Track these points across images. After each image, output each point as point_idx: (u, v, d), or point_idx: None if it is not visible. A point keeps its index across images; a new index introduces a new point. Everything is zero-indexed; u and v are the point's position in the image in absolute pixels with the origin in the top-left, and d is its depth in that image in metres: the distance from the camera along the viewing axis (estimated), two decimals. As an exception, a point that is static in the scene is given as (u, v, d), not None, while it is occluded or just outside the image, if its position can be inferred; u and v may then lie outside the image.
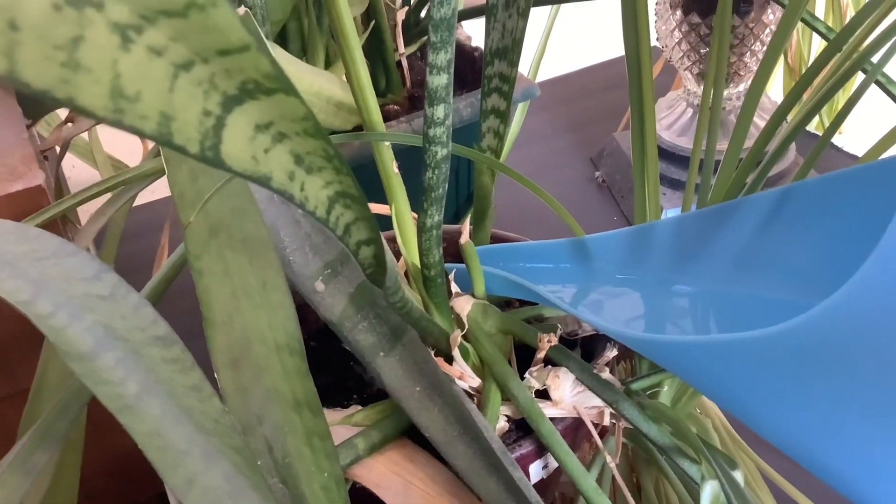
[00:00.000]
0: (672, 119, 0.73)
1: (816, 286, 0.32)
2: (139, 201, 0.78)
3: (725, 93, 0.70)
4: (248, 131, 0.18)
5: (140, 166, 0.53)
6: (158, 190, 0.68)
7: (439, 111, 0.31)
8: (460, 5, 0.65)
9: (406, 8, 0.65)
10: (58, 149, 0.65)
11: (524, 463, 0.36)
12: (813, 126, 0.89)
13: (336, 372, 0.43)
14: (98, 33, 0.14)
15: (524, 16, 0.39)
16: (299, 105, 0.18)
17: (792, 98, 0.40)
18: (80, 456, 0.46)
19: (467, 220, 0.39)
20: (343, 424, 0.37)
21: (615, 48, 0.90)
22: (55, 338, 0.27)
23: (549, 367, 0.37)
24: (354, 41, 0.36)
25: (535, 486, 0.34)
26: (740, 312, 0.34)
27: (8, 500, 0.33)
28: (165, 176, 0.50)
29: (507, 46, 0.39)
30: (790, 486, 0.47)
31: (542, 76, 0.87)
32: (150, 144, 0.70)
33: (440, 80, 0.30)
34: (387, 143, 0.37)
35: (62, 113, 0.67)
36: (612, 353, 0.38)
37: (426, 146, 0.32)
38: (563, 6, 0.65)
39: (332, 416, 0.37)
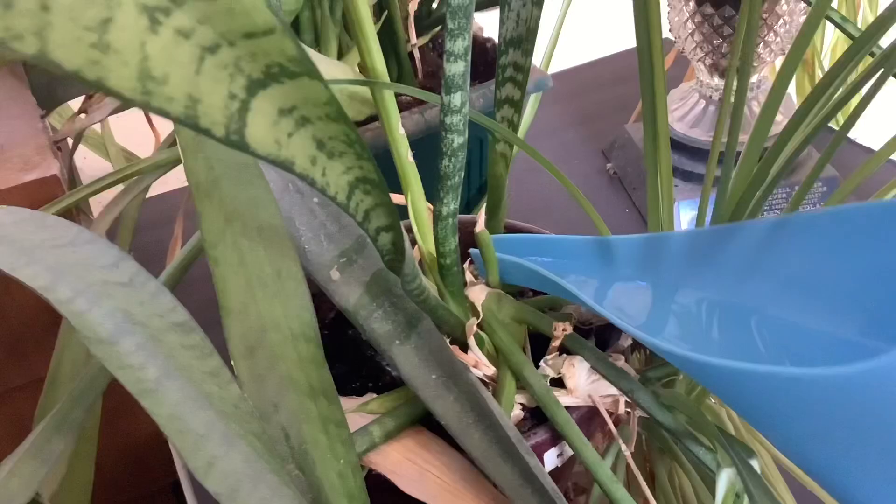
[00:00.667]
0: (685, 111, 0.73)
1: (857, 318, 0.29)
2: (152, 192, 0.79)
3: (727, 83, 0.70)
4: (272, 115, 0.18)
5: (153, 157, 0.53)
6: (171, 181, 0.68)
7: (456, 99, 0.31)
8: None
9: (420, -1, 0.65)
10: (70, 140, 0.65)
11: (539, 451, 0.36)
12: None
13: (351, 360, 0.43)
14: (127, 15, 0.14)
15: (539, 4, 0.39)
16: (322, 89, 0.18)
17: (817, 95, 0.39)
18: (96, 445, 0.47)
19: (482, 210, 0.39)
20: (358, 412, 0.37)
21: (626, 40, 0.90)
22: (76, 322, 0.27)
23: (564, 355, 0.37)
24: (370, 29, 0.36)
25: (550, 474, 0.34)
26: (776, 337, 0.32)
27: (25, 488, 0.33)
28: (178, 167, 0.50)
29: (522, 35, 0.39)
30: (806, 476, 0.47)
31: (552, 68, 0.87)
32: (163, 136, 0.70)
33: (457, 68, 0.30)
34: (402, 132, 0.37)
35: (75, 104, 0.67)
36: (626, 342, 0.39)
37: (443, 134, 0.32)
38: (576, -3, 0.65)
39: (348, 403, 0.37)
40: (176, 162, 0.54)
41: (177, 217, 0.65)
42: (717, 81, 0.71)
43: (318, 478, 0.34)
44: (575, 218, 0.39)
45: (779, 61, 0.78)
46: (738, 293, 0.33)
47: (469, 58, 0.30)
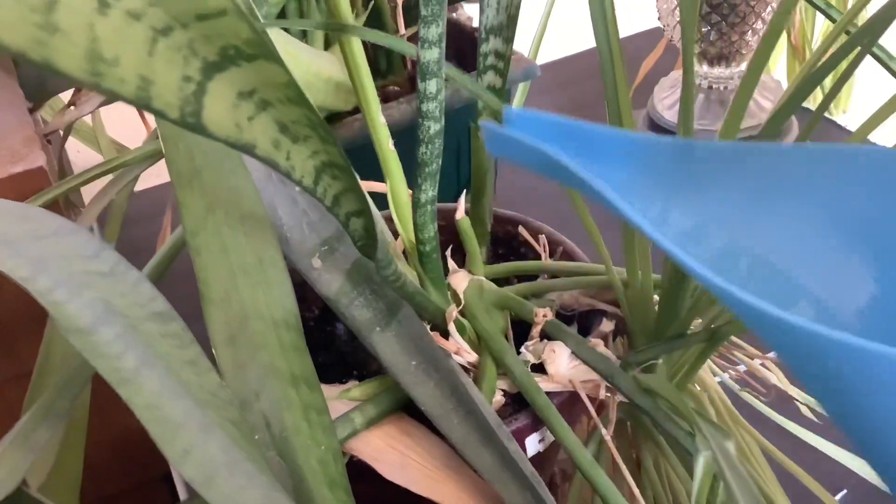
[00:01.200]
0: (674, 99, 0.73)
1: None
2: (142, 186, 0.79)
3: (727, 71, 0.70)
4: (230, 98, 0.18)
5: (141, 147, 0.53)
6: (162, 175, 0.68)
7: (431, 86, 0.31)
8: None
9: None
10: (62, 133, 0.65)
11: (520, 436, 0.37)
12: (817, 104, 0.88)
13: (336, 351, 0.43)
14: (73, -5, 0.14)
15: (519, -10, 0.39)
16: (281, 71, 0.18)
17: (803, 82, 0.39)
18: (84, 435, 0.47)
19: (463, 196, 0.39)
20: (340, 399, 0.37)
21: (624, 26, 0.90)
22: (55, 312, 0.28)
23: (546, 341, 0.37)
24: (348, 19, 0.36)
25: (532, 460, 0.34)
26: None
27: (10, 476, 0.33)
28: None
29: (503, 23, 0.39)
30: (792, 463, 0.47)
31: (543, 58, 0.87)
32: (153, 126, 0.70)
33: (431, 55, 0.30)
34: (382, 121, 0.37)
35: (66, 97, 0.67)
36: (608, 327, 0.39)
37: (420, 121, 0.32)
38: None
39: (330, 391, 0.37)
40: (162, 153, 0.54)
41: (165, 211, 0.66)
42: (706, 69, 0.71)
43: (300, 465, 0.34)
44: (565, 210, 0.39)
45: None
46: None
47: (444, 45, 0.31)
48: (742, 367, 0.46)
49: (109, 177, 0.54)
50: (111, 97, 0.15)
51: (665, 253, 0.16)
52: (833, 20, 0.45)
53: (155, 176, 0.75)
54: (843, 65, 0.46)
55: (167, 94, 0.16)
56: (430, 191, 0.34)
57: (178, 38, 0.16)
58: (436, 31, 0.29)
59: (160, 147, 0.54)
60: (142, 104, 0.16)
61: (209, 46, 0.17)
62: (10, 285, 0.30)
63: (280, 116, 0.19)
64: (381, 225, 0.34)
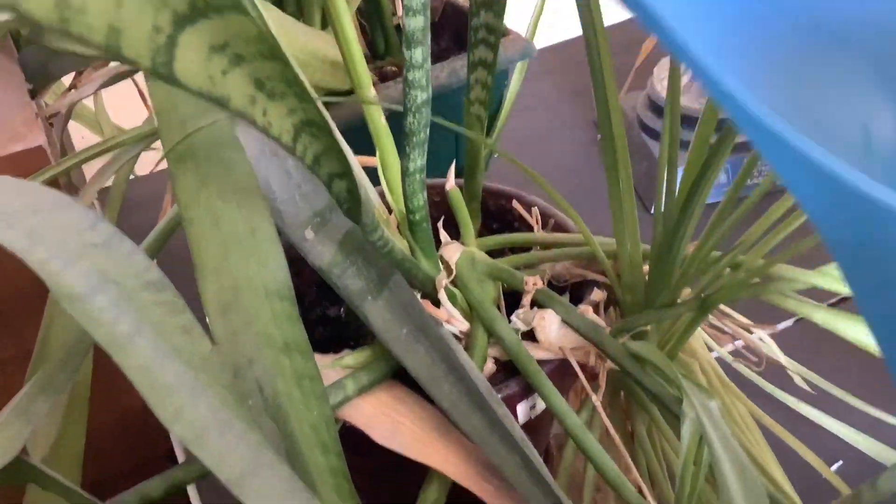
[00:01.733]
0: (673, 78, 0.73)
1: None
2: (142, 171, 0.80)
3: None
4: (202, 51, 0.18)
5: (139, 127, 0.54)
6: (162, 162, 0.69)
7: (417, 54, 0.31)
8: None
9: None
10: (63, 116, 0.66)
11: (511, 403, 0.37)
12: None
13: (331, 328, 0.44)
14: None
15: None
16: (251, 25, 0.18)
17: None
18: (86, 412, 0.47)
19: (452, 167, 0.40)
20: (333, 368, 0.37)
21: (615, 13, 0.90)
22: (51, 282, 0.28)
23: (536, 308, 0.38)
24: (341, 3, 0.37)
25: (524, 427, 0.35)
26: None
27: (9, 445, 0.34)
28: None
29: (492, -4, 0.40)
30: (786, 432, 0.47)
31: (545, 42, 0.87)
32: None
33: (416, 23, 0.30)
34: (373, 94, 0.38)
35: (67, 81, 0.68)
36: (598, 296, 0.39)
37: (406, 90, 0.32)
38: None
39: (323, 360, 0.38)
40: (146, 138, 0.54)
41: (164, 196, 0.66)
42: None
43: (292, 430, 0.34)
44: (565, 194, 0.39)
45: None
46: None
47: (428, 13, 0.31)
48: (739, 343, 0.46)
49: (110, 157, 0.54)
50: (83, 44, 0.16)
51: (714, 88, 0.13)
52: None
53: (153, 162, 0.76)
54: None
55: (137, 45, 0.17)
56: (418, 160, 0.34)
57: (148, -13, 0.16)
58: (419, -2, 0.30)
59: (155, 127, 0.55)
60: (112, 52, 0.16)
61: (179, -3, 0.17)
62: (11, 264, 0.30)
63: (254, 72, 0.20)
64: (366, 189, 0.34)
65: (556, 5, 0.69)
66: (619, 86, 0.83)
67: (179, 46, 0.18)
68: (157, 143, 0.58)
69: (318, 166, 0.24)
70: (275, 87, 0.21)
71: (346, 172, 0.26)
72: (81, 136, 0.84)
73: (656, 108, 0.73)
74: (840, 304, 0.55)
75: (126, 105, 0.76)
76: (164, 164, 0.81)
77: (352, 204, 0.28)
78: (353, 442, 0.36)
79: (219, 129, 0.37)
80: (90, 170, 0.59)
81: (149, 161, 0.79)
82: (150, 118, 0.64)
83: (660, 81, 0.74)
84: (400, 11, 0.65)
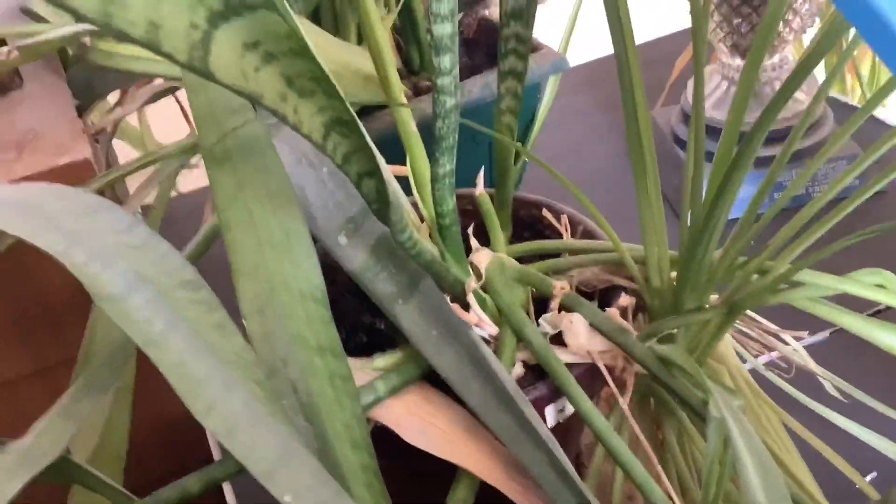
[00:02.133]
0: (707, 92, 0.73)
1: None
2: (185, 189, 0.82)
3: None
4: (236, 48, 0.19)
5: (181, 141, 0.55)
6: (203, 179, 0.71)
7: (446, 61, 0.32)
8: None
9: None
10: (109, 132, 0.68)
11: (539, 405, 0.37)
12: (857, 99, 0.88)
13: (364, 333, 0.45)
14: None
15: (536, -24, 0.40)
16: (281, 22, 0.19)
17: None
18: (129, 417, 0.49)
19: (481, 173, 0.41)
20: (364, 370, 0.38)
21: (651, 30, 0.91)
22: (88, 283, 0.29)
23: (564, 312, 0.38)
24: (375, 14, 0.38)
25: (553, 432, 0.35)
26: None
27: (54, 445, 0.35)
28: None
29: (522, 6, 0.41)
30: (819, 441, 0.47)
31: (581, 59, 0.88)
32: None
33: (444, 30, 0.31)
34: (404, 100, 0.39)
35: (112, 99, 0.70)
36: (626, 301, 0.39)
37: (435, 96, 0.33)
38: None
39: (355, 363, 0.39)
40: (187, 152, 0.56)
41: (205, 209, 0.68)
42: (739, 62, 0.71)
43: (325, 427, 0.35)
44: (598, 201, 0.40)
45: (807, 37, 0.78)
46: None
47: (456, 20, 0.32)
48: (773, 353, 0.46)
49: (153, 171, 0.56)
50: (123, 38, 0.17)
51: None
52: None
53: (196, 181, 0.78)
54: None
55: (174, 39, 0.18)
56: (447, 164, 0.35)
57: (185, -13, 0.18)
58: (447, 5, 0.31)
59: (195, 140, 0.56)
60: (151, 46, 0.17)
61: (214, -4, 0.18)
62: (57, 272, 0.32)
63: (285, 69, 0.21)
64: (396, 190, 0.35)
65: (592, 23, 0.70)
66: (653, 100, 0.83)
67: (214, 42, 0.19)
68: (197, 159, 0.60)
69: (348, 165, 0.25)
70: (304, 84, 0.22)
71: (375, 171, 0.27)
72: (129, 155, 0.86)
73: (689, 122, 0.74)
74: (875, 315, 0.55)
75: (170, 122, 0.78)
76: (205, 181, 0.83)
77: (381, 204, 0.29)
78: (384, 445, 0.37)
79: (255, 135, 0.38)
80: (134, 185, 0.61)
81: (192, 179, 0.81)
82: (191, 133, 0.66)
83: (692, 94, 0.74)
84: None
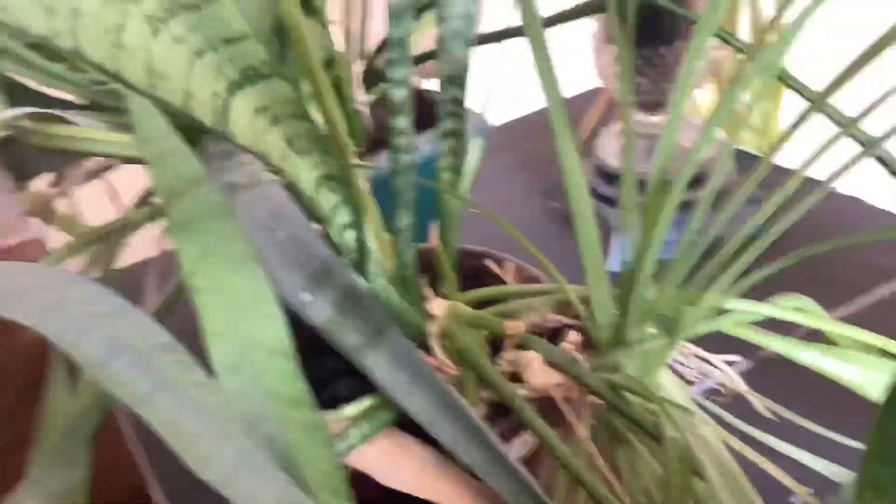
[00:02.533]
0: (616, 147, 0.79)
1: None
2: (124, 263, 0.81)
3: (658, 118, 0.76)
4: (250, 113, 0.22)
5: (112, 222, 0.56)
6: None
7: (401, 121, 0.35)
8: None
9: (365, 60, 0.70)
10: (40, 216, 0.68)
11: (504, 440, 0.40)
12: (747, 145, 0.95)
13: (332, 383, 0.46)
14: (135, 22, 0.18)
15: (469, 45, 0.43)
16: (288, 88, 0.22)
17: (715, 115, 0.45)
18: (86, 491, 0.49)
19: (434, 226, 0.43)
20: (337, 419, 0.40)
21: (570, 87, 0.96)
22: (70, 352, 0.31)
23: (520, 351, 0.41)
24: (325, 86, 0.41)
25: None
26: None
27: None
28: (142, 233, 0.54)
29: (458, 73, 0.44)
30: (756, 454, 0.50)
31: (502, 118, 0.93)
32: (128, 206, 0.74)
33: (400, 94, 0.34)
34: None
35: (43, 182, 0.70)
36: (575, 338, 0.42)
37: (393, 154, 0.36)
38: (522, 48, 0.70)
39: (327, 414, 0.40)
40: (143, 223, 0.57)
41: (146, 287, 0.68)
42: (643, 117, 0.77)
43: (304, 477, 0.37)
44: (528, 256, 0.43)
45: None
46: None
47: (410, 86, 0.35)
48: (710, 382, 0.50)
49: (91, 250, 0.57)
50: (164, 108, 0.19)
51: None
52: (799, 92, 0.50)
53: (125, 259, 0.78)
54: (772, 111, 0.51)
55: (203, 106, 0.20)
56: (405, 218, 0.37)
57: (210, 59, 0.20)
58: (402, 72, 0.34)
59: (139, 216, 0.58)
60: (187, 112, 0.19)
61: (233, 67, 0.20)
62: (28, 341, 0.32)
63: (287, 131, 0.23)
64: (370, 241, 0.37)
65: (510, 86, 0.75)
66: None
67: (232, 108, 0.21)
68: (135, 235, 0.61)
69: (334, 217, 0.28)
70: (301, 145, 0.24)
71: (357, 223, 0.29)
72: (53, 237, 0.86)
73: (603, 175, 0.79)
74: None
75: (99, 208, 0.79)
76: (135, 258, 0.83)
77: (359, 253, 0.31)
78: (362, 489, 0.38)
79: (216, 203, 0.40)
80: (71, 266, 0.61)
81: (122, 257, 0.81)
82: (121, 213, 0.67)
83: (604, 149, 0.79)
84: (359, 97, 0.70)
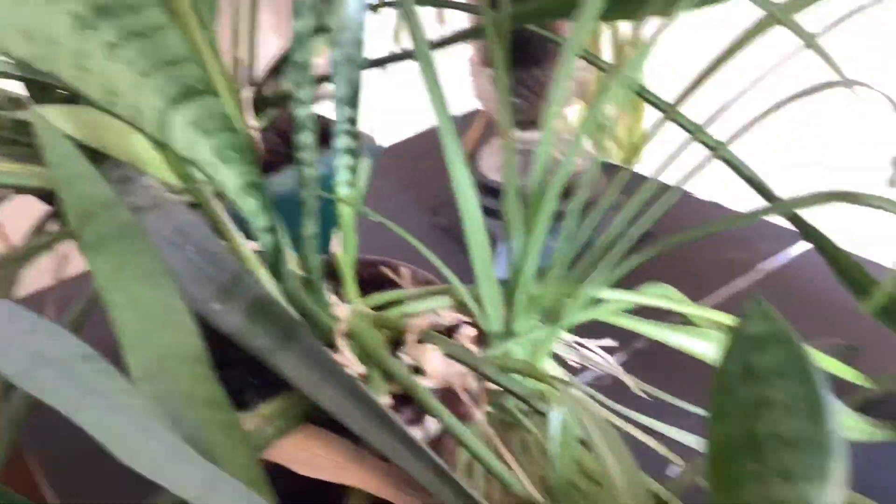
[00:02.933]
0: (497, 162, 0.84)
1: None
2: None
3: (533, 135, 0.82)
4: (184, 125, 0.25)
5: (14, 250, 0.57)
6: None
7: (305, 137, 0.38)
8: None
9: (254, 87, 0.73)
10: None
11: (410, 425, 0.43)
12: (614, 157, 1.02)
13: (247, 385, 0.49)
14: (96, 48, 0.21)
15: (360, 68, 0.47)
16: (219, 103, 0.25)
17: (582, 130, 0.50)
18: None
19: (337, 235, 0.47)
20: (253, 418, 0.43)
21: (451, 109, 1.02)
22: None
23: (419, 345, 0.45)
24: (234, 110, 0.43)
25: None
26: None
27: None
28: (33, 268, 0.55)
29: (351, 94, 0.48)
30: (637, 429, 0.56)
31: (389, 140, 0.97)
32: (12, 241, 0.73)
33: (305, 111, 0.38)
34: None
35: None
36: (470, 331, 0.46)
37: (299, 168, 0.39)
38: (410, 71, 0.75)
39: (245, 414, 0.43)
40: (37, 253, 0.58)
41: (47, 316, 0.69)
42: (520, 134, 0.83)
43: (223, 472, 0.39)
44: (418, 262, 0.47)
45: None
46: None
47: (312, 104, 0.38)
48: (598, 372, 0.55)
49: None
50: (123, 120, 0.22)
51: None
52: (655, 105, 0.56)
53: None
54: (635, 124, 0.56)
55: (148, 122, 0.23)
56: (311, 227, 0.41)
57: (154, 80, 0.23)
58: (306, 92, 0.37)
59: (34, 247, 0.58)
60: (135, 124, 0.22)
61: (173, 85, 0.24)
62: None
63: (217, 143, 0.26)
64: (286, 248, 0.40)
65: (397, 106, 0.79)
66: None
67: (169, 122, 0.24)
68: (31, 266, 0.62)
69: (256, 220, 0.31)
70: (228, 154, 0.27)
71: (274, 227, 0.32)
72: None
73: (484, 188, 0.84)
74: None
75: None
76: (26, 290, 0.82)
77: (275, 256, 0.34)
78: (281, 481, 0.41)
79: (126, 222, 0.42)
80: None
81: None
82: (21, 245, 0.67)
83: (485, 164, 0.85)
84: (250, 122, 0.73)
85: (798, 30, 0.38)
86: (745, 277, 0.77)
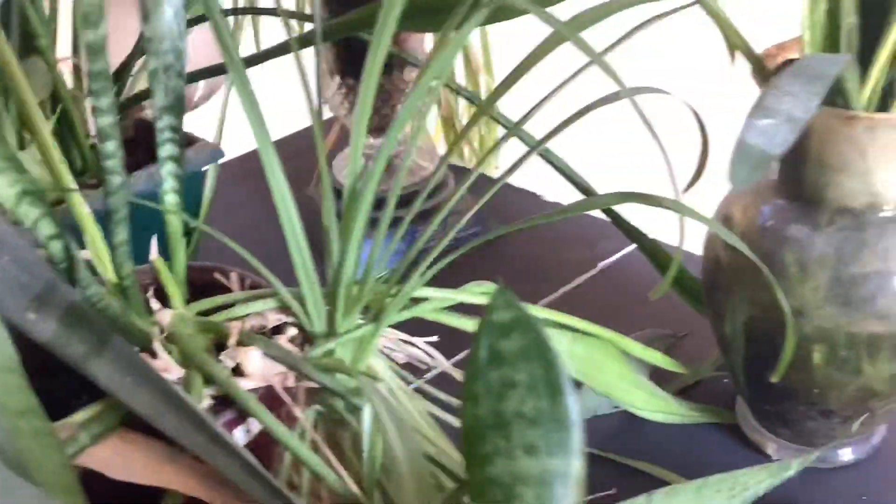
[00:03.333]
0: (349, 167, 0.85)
1: None
2: None
3: (381, 141, 0.84)
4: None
5: None
6: None
7: (110, 146, 0.39)
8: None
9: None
10: None
11: (229, 428, 0.44)
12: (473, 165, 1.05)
13: (65, 394, 0.49)
14: None
15: (180, 77, 0.48)
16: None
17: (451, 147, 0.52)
18: None
19: (153, 241, 0.47)
20: (68, 425, 0.43)
21: (299, 121, 1.02)
22: None
23: (241, 347, 0.46)
24: (38, 116, 0.44)
25: (250, 451, 0.42)
26: None
27: None
28: None
29: (173, 103, 0.48)
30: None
31: (240, 151, 0.98)
32: None
33: (107, 120, 0.38)
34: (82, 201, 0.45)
35: None
36: (291, 332, 0.48)
37: (105, 177, 0.40)
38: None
39: (60, 423, 0.43)
40: None
41: None
42: (372, 141, 0.84)
43: (36, 480, 0.39)
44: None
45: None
46: None
47: (115, 112, 0.39)
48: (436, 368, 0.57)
49: None
50: None
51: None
52: (469, 100, 0.58)
53: None
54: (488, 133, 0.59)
55: None
56: (121, 234, 0.41)
57: None
58: (106, 101, 0.38)
59: None
60: None
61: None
62: None
63: (-19, 152, 0.27)
64: (79, 255, 0.41)
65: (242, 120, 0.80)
66: (308, 181, 0.94)
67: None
68: None
69: (38, 229, 0.31)
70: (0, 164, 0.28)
71: (60, 234, 0.33)
72: None
73: (336, 192, 0.85)
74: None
75: None
76: None
77: (68, 262, 0.35)
78: (96, 486, 0.41)
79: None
80: None
81: None
82: None
83: (339, 171, 0.86)
84: (92, 132, 0.72)
85: (584, 47, 0.41)
86: (584, 276, 0.80)
